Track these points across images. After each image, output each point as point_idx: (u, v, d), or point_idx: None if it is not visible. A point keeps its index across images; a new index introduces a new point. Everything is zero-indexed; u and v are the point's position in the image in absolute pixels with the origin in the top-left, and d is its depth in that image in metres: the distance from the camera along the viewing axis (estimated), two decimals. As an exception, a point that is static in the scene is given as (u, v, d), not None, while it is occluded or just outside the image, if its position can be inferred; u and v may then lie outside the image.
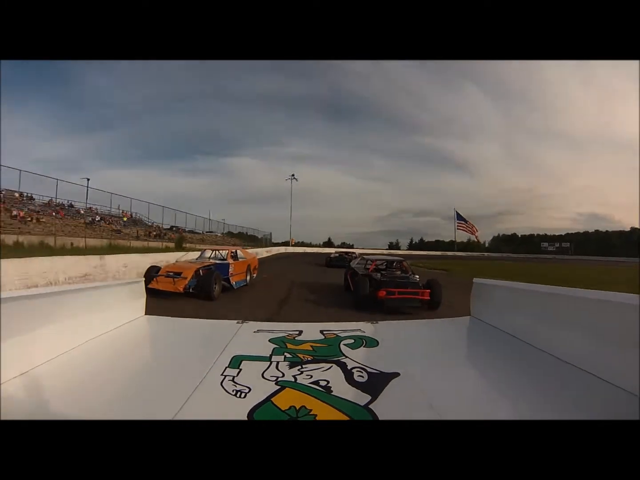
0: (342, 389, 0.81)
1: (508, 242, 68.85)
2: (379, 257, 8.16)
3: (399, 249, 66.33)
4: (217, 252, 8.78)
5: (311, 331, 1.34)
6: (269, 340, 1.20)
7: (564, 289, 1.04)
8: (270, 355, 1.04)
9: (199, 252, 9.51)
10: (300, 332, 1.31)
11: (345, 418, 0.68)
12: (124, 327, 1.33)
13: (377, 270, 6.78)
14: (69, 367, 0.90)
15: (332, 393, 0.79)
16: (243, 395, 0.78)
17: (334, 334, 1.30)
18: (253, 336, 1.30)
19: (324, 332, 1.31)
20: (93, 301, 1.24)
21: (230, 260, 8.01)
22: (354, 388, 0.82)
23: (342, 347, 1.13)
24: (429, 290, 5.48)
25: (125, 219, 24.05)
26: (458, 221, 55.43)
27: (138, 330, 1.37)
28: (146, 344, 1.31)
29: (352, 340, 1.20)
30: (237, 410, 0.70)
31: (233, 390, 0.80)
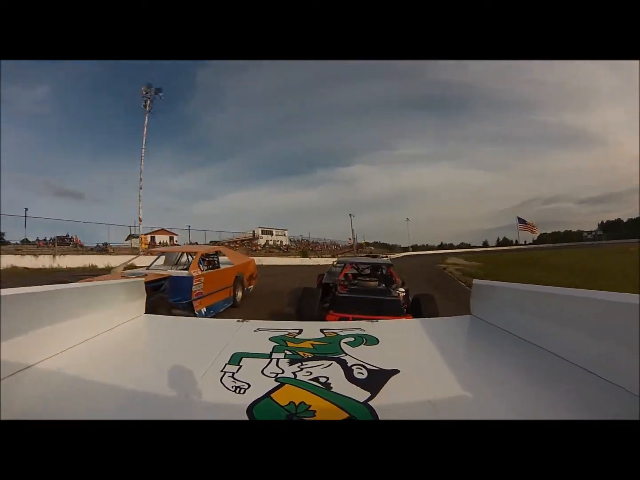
0: (341, 385, 0.81)
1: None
2: (360, 261, 6.01)
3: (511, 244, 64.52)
4: (188, 255, 6.01)
5: (311, 330, 1.34)
6: (269, 339, 1.20)
7: (563, 289, 1.04)
8: (271, 353, 1.04)
9: (158, 256, 6.27)
10: (301, 331, 1.32)
11: (345, 414, 0.68)
12: (124, 326, 1.33)
13: (349, 278, 5.01)
14: (69, 365, 0.90)
15: (332, 389, 0.79)
16: (242, 391, 0.78)
17: (334, 332, 1.30)
18: (253, 335, 1.31)
19: (324, 331, 1.32)
20: (93, 300, 1.24)
21: (197, 270, 4.98)
22: (353, 385, 0.82)
23: (342, 345, 1.14)
24: (410, 316, 3.61)
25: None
26: (519, 224, 57.44)
27: (138, 329, 1.37)
28: (146, 342, 1.32)
29: (352, 339, 1.20)
30: (237, 406, 0.71)
31: (232, 387, 0.80)
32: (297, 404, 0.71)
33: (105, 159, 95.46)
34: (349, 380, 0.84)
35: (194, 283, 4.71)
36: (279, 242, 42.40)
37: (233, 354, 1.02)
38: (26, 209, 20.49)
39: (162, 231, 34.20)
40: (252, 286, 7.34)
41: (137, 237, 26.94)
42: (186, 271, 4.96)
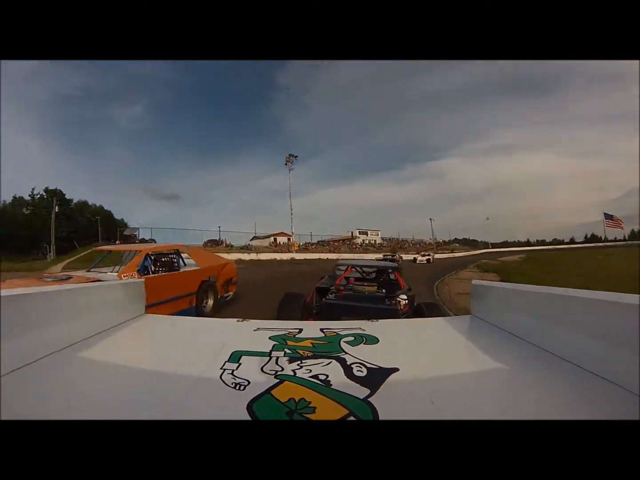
0: (341, 382, 0.82)
1: None
2: (362, 263, 5.56)
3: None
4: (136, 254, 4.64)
5: (311, 329, 1.34)
6: (269, 338, 1.20)
7: (563, 289, 1.04)
8: (270, 351, 1.04)
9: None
10: (301, 330, 1.32)
11: (344, 411, 0.68)
12: (124, 326, 1.33)
13: (350, 281, 4.53)
14: (69, 365, 0.90)
15: (331, 386, 0.79)
16: (242, 387, 0.78)
17: (334, 332, 1.30)
18: (253, 334, 1.31)
19: (324, 330, 1.32)
20: (93, 299, 1.24)
21: (132, 274, 3.99)
22: (353, 382, 0.82)
23: (342, 344, 1.14)
24: None
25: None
26: (606, 220, 56.33)
27: (138, 328, 1.37)
28: (146, 342, 1.32)
29: (352, 338, 1.21)
30: (236, 402, 0.71)
31: (232, 383, 0.80)
32: (297, 400, 0.72)
33: (197, 165, 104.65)
34: (348, 378, 0.85)
35: None
36: (373, 241, 49.89)
37: (232, 352, 1.02)
38: (219, 227, 37.08)
39: (282, 233, 43.41)
40: (230, 293, 6.16)
41: (261, 238, 40.78)
42: (115, 274, 4.03)
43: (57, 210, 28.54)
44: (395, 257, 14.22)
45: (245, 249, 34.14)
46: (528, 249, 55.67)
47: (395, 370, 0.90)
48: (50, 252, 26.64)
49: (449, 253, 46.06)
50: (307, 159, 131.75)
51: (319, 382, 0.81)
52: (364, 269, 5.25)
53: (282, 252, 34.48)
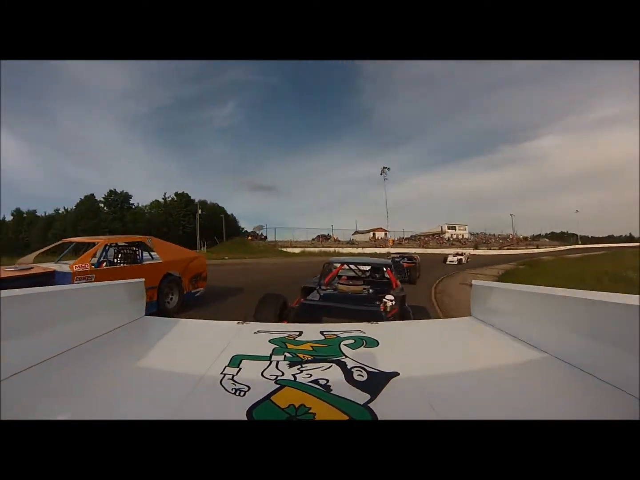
0: (341, 387, 0.81)
1: None
2: (350, 261, 5.15)
3: None
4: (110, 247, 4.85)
5: (311, 332, 1.34)
6: (269, 341, 1.20)
7: (562, 290, 1.04)
8: (270, 355, 1.04)
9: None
10: (301, 333, 1.32)
11: (345, 417, 0.68)
12: (124, 328, 1.33)
13: (343, 279, 4.15)
14: (69, 366, 0.90)
15: (332, 392, 0.79)
16: (242, 393, 0.78)
17: (334, 334, 1.30)
18: (253, 337, 1.31)
19: (324, 333, 1.32)
20: (93, 301, 1.24)
21: (85, 265, 4.04)
22: (353, 387, 0.82)
23: (342, 347, 1.14)
24: None
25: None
26: None
27: (138, 330, 1.37)
28: (146, 344, 1.32)
29: (352, 341, 1.20)
30: (236, 409, 0.70)
31: (232, 389, 0.80)
32: (297, 406, 0.71)
33: (290, 157, 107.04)
34: (348, 383, 0.84)
35: (75, 281, 3.72)
36: (460, 236, 52.43)
37: (233, 356, 1.02)
38: (332, 226, 45.63)
39: (380, 229, 49.64)
40: (200, 289, 5.87)
41: (362, 232, 49.31)
42: (65, 269, 3.91)
43: (200, 212, 36.35)
44: (414, 255, 13.45)
45: (351, 243, 41.70)
46: (628, 246, 45.04)
47: (396, 374, 0.90)
48: (203, 246, 33.72)
49: (524, 249, 44.92)
50: (398, 146, 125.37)
51: (319, 387, 0.81)
52: (357, 266, 5.06)
53: (381, 247, 39.85)
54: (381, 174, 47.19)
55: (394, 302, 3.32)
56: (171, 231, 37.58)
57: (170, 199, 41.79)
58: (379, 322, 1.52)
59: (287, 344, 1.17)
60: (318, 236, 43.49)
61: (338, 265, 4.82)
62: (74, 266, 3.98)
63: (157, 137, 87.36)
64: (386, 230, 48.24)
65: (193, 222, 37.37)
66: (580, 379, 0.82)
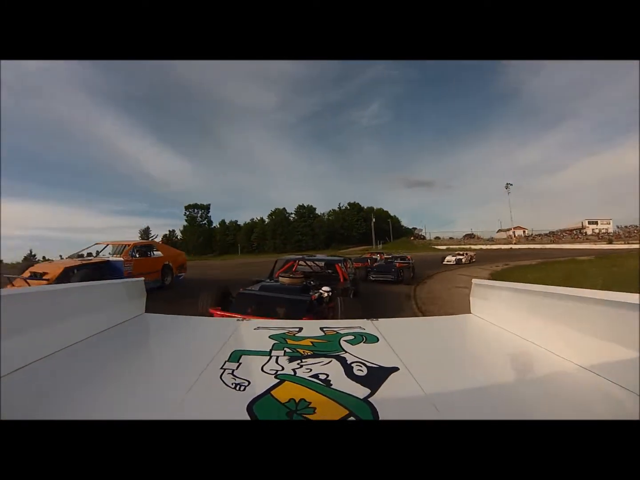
0: (341, 382, 0.82)
1: None
2: (302, 257, 5.56)
3: None
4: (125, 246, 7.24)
5: (311, 328, 1.34)
6: (269, 337, 1.20)
7: (562, 289, 1.04)
8: (270, 350, 1.04)
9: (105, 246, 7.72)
10: (301, 329, 1.32)
11: (345, 411, 0.68)
12: (124, 325, 1.33)
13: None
14: (69, 364, 0.90)
15: (332, 386, 0.79)
16: (242, 388, 0.78)
17: (334, 330, 1.30)
18: (253, 333, 1.31)
19: (324, 329, 1.32)
20: (93, 299, 1.24)
21: (126, 257, 6.66)
22: (353, 382, 0.82)
23: (342, 343, 1.14)
24: (311, 317, 2.96)
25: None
26: None
27: (138, 328, 1.37)
28: (146, 341, 1.32)
29: (352, 337, 1.21)
30: (237, 403, 0.71)
31: (232, 384, 0.80)
32: (297, 400, 0.71)
33: (447, 150, 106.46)
34: (348, 377, 0.85)
35: (125, 265, 6.61)
36: (604, 230, 50.58)
37: (232, 352, 1.02)
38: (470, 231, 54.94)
39: (519, 227, 54.66)
40: (183, 274, 8.93)
41: (504, 231, 53.80)
42: (119, 257, 6.82)
43: (373, 220, 51.14)
44: (407, 256, 13.64)
45: (490, 240, 50.61)
46: None
47: (396, 369, 0.90)
48: (378, 244, 49.01)
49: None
50: (556, 123, 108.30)
51: (319, 382, 0.81)
52: (312, 262, 5.51)
53: (517, 244, 45.30)
54: (506, 187, 52.27)
55: (328, 294, 3.61)
56: (347, 233, 53.66)
57: (344, 207, 57.76)
58: (379, 319, 1.52)
59: (287, 339, 1.17)
60: (464, 236, 54.37)
61: (291, 261, 5.33)
62: (123, 257, 6.76)
63: (312, 143, 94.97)
64: (524, 229, 55.05)
65: (364, 225, 53.35)
66: (581, 376, 0.82)
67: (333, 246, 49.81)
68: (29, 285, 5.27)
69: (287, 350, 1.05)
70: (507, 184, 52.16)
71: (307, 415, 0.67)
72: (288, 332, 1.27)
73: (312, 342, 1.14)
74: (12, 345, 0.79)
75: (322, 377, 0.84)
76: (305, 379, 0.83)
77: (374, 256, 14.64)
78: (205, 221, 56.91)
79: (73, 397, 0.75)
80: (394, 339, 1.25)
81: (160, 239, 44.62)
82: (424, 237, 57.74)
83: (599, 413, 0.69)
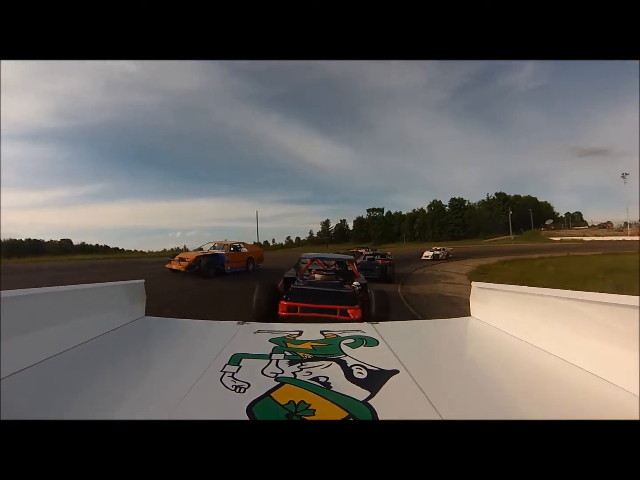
0: (341, 385, 0.82)
1: None
2: (320, 256, 6.30)
3: None
4: (226, 245, 11.51)
5: (311, 332, 1.34)
6: (269, 340, 1.20)
7: (562, 292, 1.04)
8: (270, 354, 1.04)
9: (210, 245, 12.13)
10: (301, 333, 1.32)
11: (344, 413, 0.68)
12: (124, 328, 1.33)
13: (312, 272, 5.21)
14: (70, 366, 0.90)
15: (332, 389, 0.79)
16: (242, 390, 0.78)
17: (334, 334, 1.30)
18: (253, 336, 1.31)
19: (324, 333, 1.32)
20: (93, 301, 1.24)
21: (227, 251, 10.90)
22: (353, 384, 0.82)
23: (342, 346, 1.14)
24: (357, 307, 3.71)
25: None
26: None
27: (138, 331, 1.37)
28: (146, 344, 1.32)
29: (352, 340, 1.21)
30: (236, 405, 0.71)
31: (232, 386, 0.80)
32: (296, 402, 0.71)
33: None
34: (348, 380, 0.85)
35: (226, 256, 10.50)
36: None
37: (233, 355, 1.02)
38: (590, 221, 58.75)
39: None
40: (260, 264, 12.69)
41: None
42: (222, 252, 10.69)
43: (511, 212, 57.96)
44: (387, 253, 13.92)
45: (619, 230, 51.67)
46: None
47: (396, 372, 0.90)
48: (511, 234, 55.19)
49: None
50: None
51: (319, 385, 0.81)
52: (324, 261, 6.12)
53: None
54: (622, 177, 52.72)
55: (360, 287, 4.35)
56: (493, 221, 59.92)
57: (492, 197, 64.63)
58: (380, 322, 1.52)
59: (287, 343, 1.17)
60: (599, 224, 54.84)
61: (308, 260, 5.84)
62: (225, 251, 10.73)
63: (466, 117, 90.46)
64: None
65: (507, 215, 58.79)
66: (580, 378, 0.82)
67: (480, 235, 56.97)
68: (179, 264, 9.49)
69: (288, 353, 1.05)
70: (623, 173, 51.94)
71: (306, 417, 0.67)
72: (288, 336, 1.27)
73: (312, 346, 1.15)
74: (12, 347, 0.79)
75: (322, 379, 0.84)
76: (305, 381, 0.83)
77: (359, 250, 15.17)
78: (382, 219, 72.85)
79: (73, 399, 0.75)
80: (394, 342, 1.25)
81: (334, 228, 74.52)
82: (553, 228, 55.90)
83: (599, 413, 0.69)
